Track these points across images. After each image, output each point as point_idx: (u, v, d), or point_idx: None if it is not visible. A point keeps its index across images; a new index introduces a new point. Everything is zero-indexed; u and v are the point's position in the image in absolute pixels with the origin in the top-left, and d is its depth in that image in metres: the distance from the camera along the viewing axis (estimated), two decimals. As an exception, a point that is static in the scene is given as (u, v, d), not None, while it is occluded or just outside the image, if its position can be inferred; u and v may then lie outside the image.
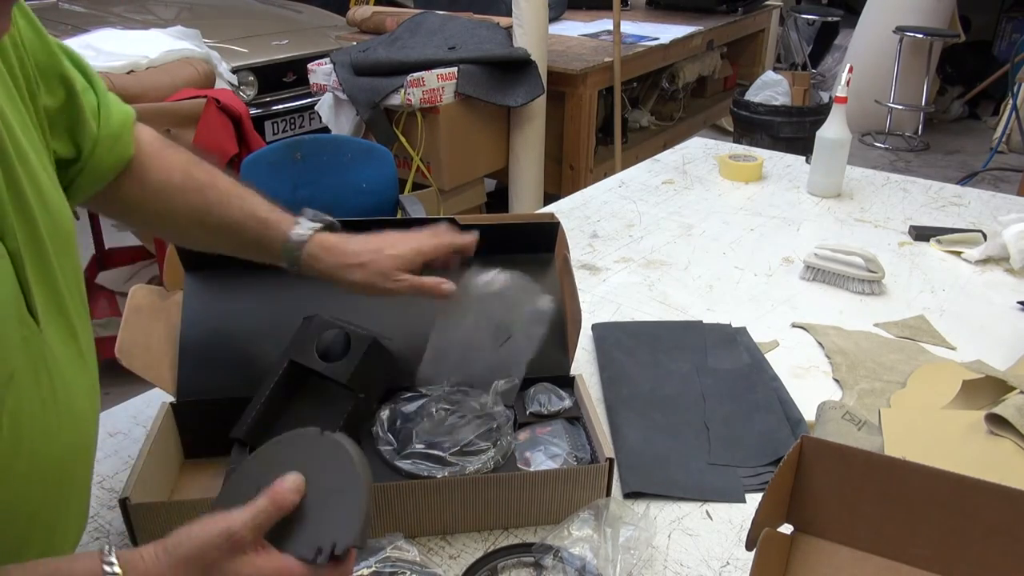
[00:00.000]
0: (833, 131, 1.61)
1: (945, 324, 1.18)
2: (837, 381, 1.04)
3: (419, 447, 0.82)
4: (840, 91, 1.61)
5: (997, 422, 0.86)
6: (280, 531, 0.55)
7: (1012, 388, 0.91)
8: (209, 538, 0.52)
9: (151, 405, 0.97)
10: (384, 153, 2.14)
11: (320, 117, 3.00)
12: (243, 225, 0.78)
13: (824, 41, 5.69)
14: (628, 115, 3.88)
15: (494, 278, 0.83)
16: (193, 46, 2.82)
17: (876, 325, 1.18)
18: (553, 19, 3.69)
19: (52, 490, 0.59)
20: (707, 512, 0.83)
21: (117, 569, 0.50)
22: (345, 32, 3.65)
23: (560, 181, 3.34)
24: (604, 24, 3.84)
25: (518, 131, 3.05)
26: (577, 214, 1.59)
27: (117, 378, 0.93)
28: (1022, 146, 4.32)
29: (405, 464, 0.81)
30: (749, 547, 0.60)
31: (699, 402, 0.99)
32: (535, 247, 0.99)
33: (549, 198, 2.71)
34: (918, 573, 0.60)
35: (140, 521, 0.73)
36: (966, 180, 3.81)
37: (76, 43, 2.68)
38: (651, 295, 1.27)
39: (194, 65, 2.72)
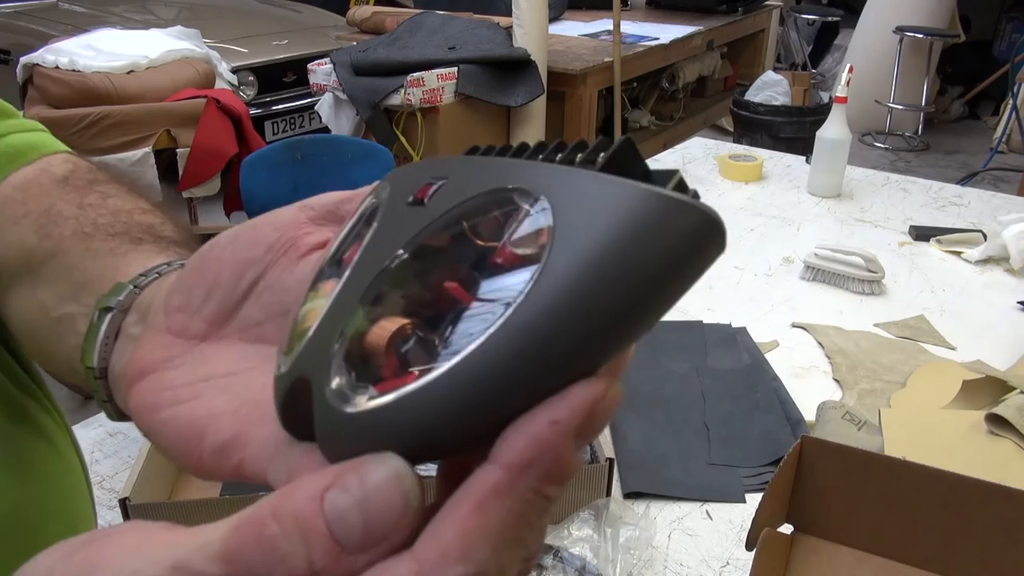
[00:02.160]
0: (833, 131, 1.61)
1: (945, 324, 1.18)
2: (837, 381, 1.04)
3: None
4: (840, 91, 1.61)
5: (997, 422, 0.86)
6: None
7: (1012, 388, 0.91)
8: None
9: (151, 405, 0.97)
10: (384, 153, 2.15)
11: (320, 117, 3.01)
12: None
13: (824, 41, 5.69)
14: (628, 115, 3.88)
15: None
16: (193, 46, 2.82)
17: (876, 325, 1.17)
18: (553, 19, 3.69)
19: None
20: (707, 512, 0.83)
21: None
22: (345, 32, 3.65)
23: (560, 181, 3.34)
24: (604, 24, 3.85)
25: (518, 131, 3.05)
26: (577, 214, 1.59)
27: (117, 378, 0.93)
28: (1022, 146, 4.32)
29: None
30: (749, 547, 0.60)
31: (699, 402, 0.99)
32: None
33: (549, 198, 2.71)
34: (918, 573, 0.60)
35: (140, 521, 0.73)
36: (966, 180, 3.81)
37: (76, 43, 2.68)
38: (651, 295, 1.27)
39: (194, 65, 2.72)
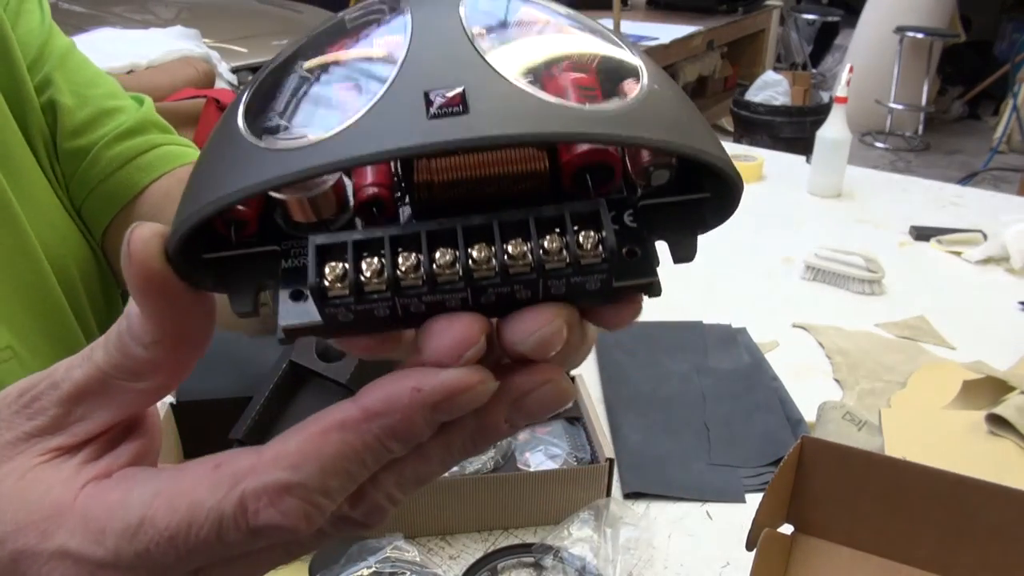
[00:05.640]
0: (833, 131, 1.61)
1: (945, 324, 1.18)
2: (837, 381, 1.04)
3: (419, 447, 0.82)
4: (840, 91, 1.61)
5: (997, 422, 0.86)
6: None
7: (1012, 388, 0.91)
8: None
9: (151, 405, 0.97)
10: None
11: (320, 117, 3.00)
12: None
13: (824, 41, 5.69)
14: (628, 115, 3.88)
15: None
16: (193, 46, 2.82)
17: (876, 325, 1.17)
18: (553, 19, 3.69)
19: None
20: (707, 512, 0.83)
21: None
22: (345, 32, 3.65)
23: (560, 181, 3.34)
24: (604, 24, 3.85)
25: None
26: (577, 214, 1.59)
27: (117, 378, 0.93)
28: (1022, 146, 4.32)
29: (405, 464, 0.81)
30: (749, 547, 0.60)
31: (699, 402, 0.99)
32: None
33: (549, 198, 2.70)
34: (918, 573, 0.60)
35: (140, 521, 0.73)
36: (966, 180, 3.81)
37: (76, 43, 2.68)
38: (651, 295, 1.27)
39: (194, 65, 2.72)
